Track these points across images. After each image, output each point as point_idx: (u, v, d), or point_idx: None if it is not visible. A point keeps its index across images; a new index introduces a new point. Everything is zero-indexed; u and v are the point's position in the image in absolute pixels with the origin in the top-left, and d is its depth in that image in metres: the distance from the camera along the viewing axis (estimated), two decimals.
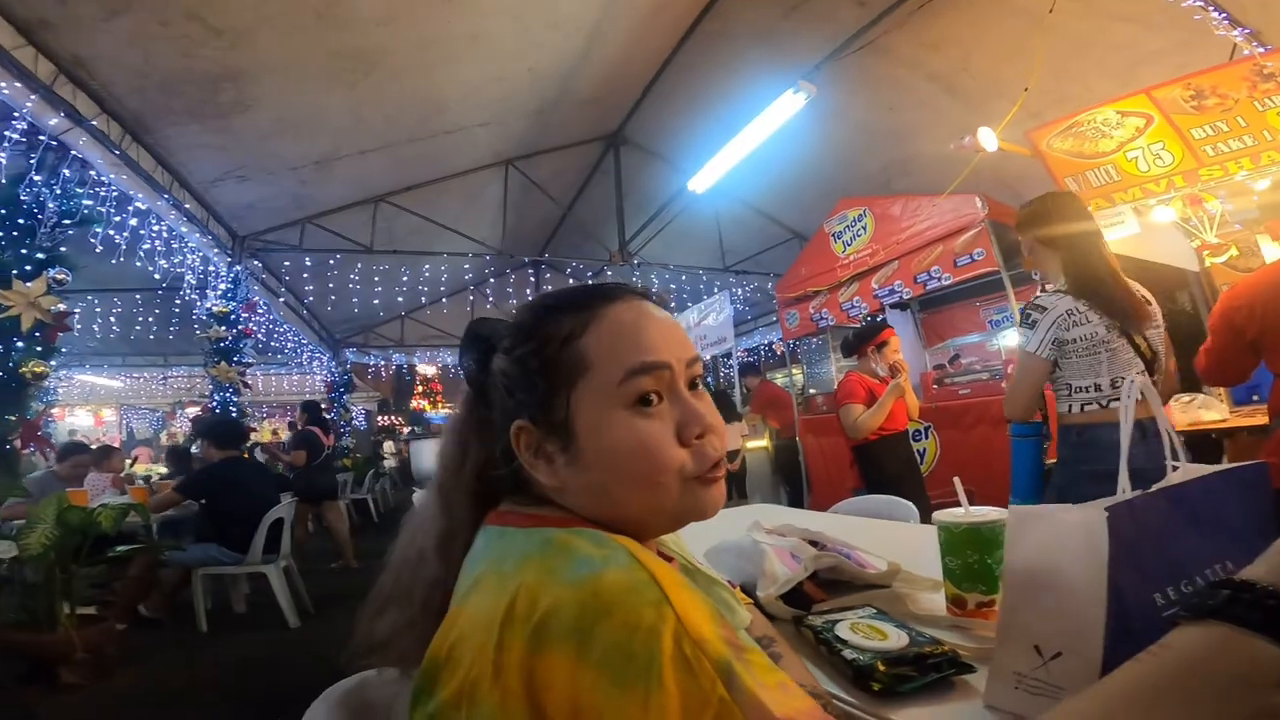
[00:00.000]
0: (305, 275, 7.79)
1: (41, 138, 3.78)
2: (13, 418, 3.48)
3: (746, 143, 5.07)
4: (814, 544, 1.19)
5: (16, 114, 3.57)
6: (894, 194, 4.81)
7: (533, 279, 10.69)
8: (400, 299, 9.31)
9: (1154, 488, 0.66)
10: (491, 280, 10.62)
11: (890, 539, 1.51)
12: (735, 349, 6.80)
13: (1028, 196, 4.68)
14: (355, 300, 8.60)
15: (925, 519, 1.70)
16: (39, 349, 3.63)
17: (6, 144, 3.70)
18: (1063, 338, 1.74)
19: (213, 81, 4.13)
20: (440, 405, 16.01)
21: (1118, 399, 1.68)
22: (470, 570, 0.52)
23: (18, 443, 3.52)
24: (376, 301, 8.91)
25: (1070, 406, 1.79)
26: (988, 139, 3.61)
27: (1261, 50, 3.22)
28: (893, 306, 5.14)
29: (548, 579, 0.45)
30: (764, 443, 6.23)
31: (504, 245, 7.56)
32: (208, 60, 3.93)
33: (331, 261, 7.27)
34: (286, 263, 7.35)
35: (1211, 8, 3.47)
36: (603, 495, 0.56)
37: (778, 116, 4.67)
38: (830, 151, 5.87)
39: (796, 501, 5.39)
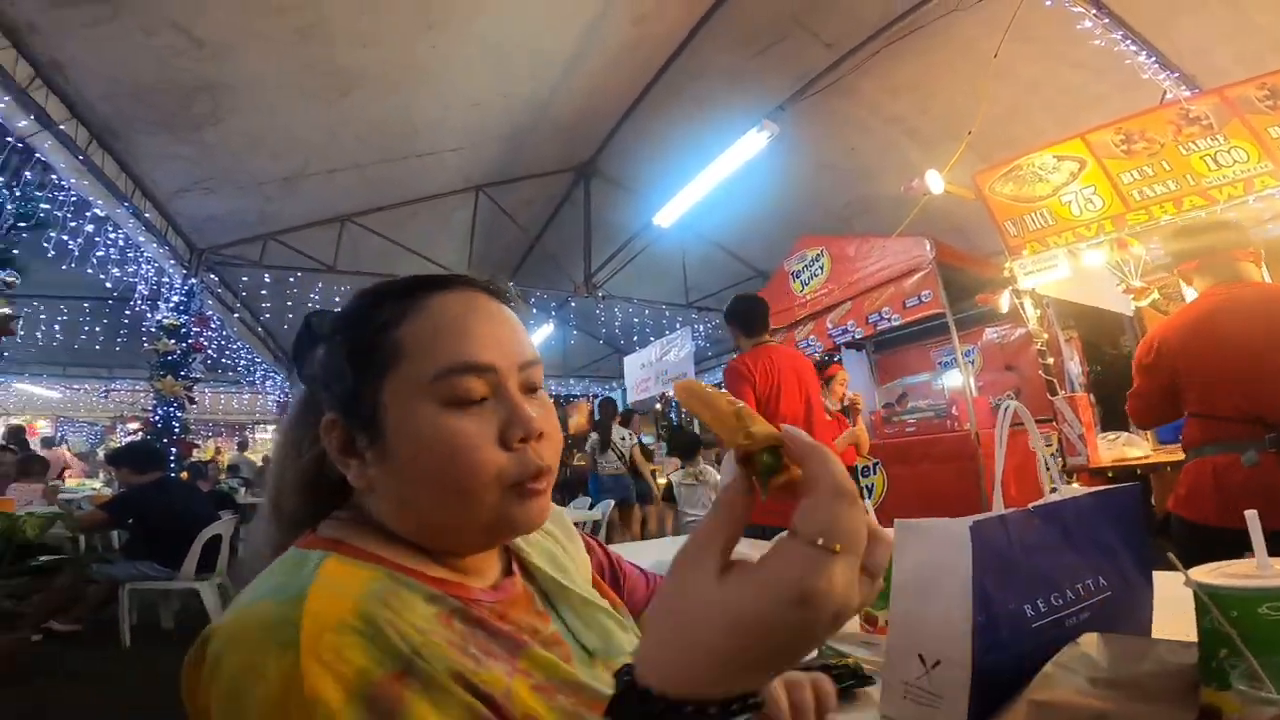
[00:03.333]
0: (264, 292, 7.65)
1: (9, 139, 3.74)
2: None
3: (710, 179, 5.23)
4: None
5: None
6: (855, 232, 4.99)
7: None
8: None
9: (1029, 506, 0.69)
10: None
11: None
12: (723, 369, 6.87)
13: (975, 241, 4.92)
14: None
15: None
16: None
17: None
18: None
19: (189, 92, 4.14)
20: None
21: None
22: None
23: None
24: None
25: None
26: (934, 182, 3.80)
27: (1188, 94, 3.43)
28: (848, 346, 5.28)
29: (235, 602, 0.45)
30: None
31: (469, 273, 7.57)
32: (186, 71, 3.94)
33: (292, 280, 7.16)
34: (245, 278, 7.23)
35: (1143, 52, 3.70)
36: (409, 502, 0.51)
37: (741, 154, 4.85)
38: (793, 190, 6.08)
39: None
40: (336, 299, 7.95)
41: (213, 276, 6.64)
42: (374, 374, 0.52)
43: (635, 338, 9.51)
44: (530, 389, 0.55)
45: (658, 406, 10.45)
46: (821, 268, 4.92)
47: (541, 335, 10.39)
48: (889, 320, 4.19)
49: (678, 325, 7.97)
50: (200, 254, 6.14)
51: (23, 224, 4.18)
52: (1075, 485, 2.52)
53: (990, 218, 3.44)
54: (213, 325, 7.30)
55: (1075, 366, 4.63)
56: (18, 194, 3.90)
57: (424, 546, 0.52)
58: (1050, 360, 3.48)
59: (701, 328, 8.88)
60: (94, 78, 3.87)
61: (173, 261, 5.84)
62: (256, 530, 0.59)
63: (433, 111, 5.08)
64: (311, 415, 0.57)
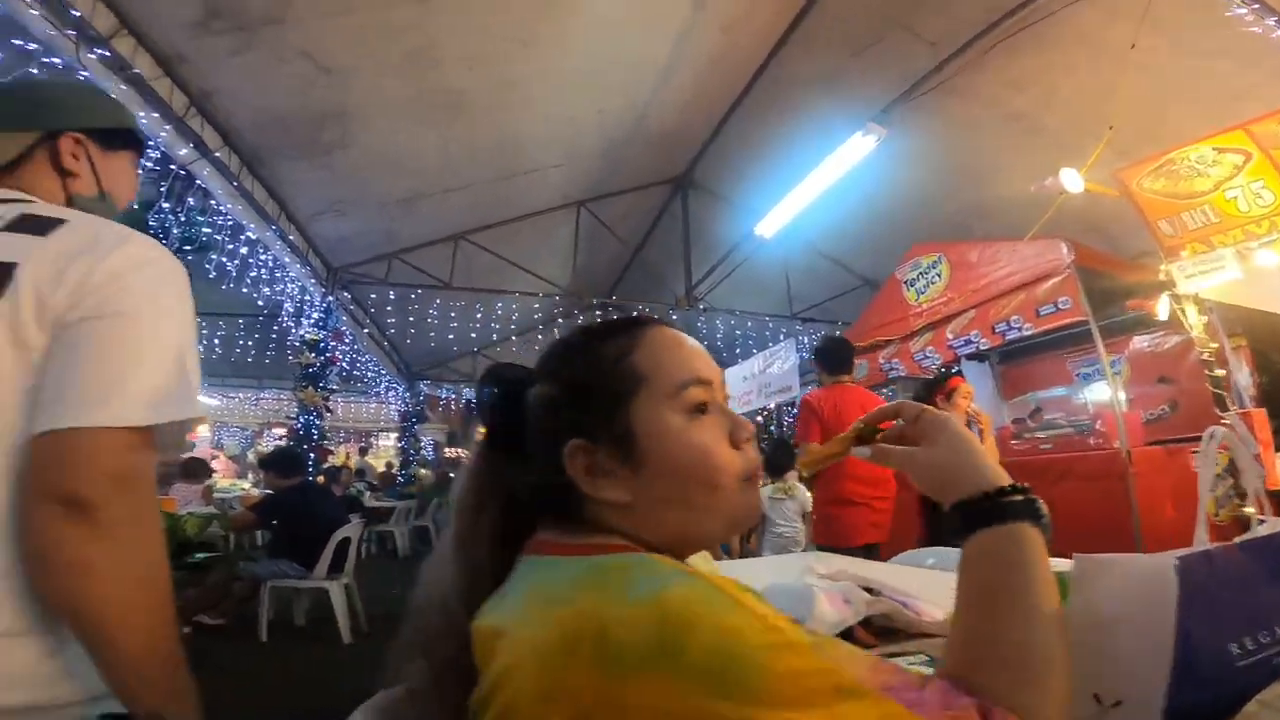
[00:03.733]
0: (389, 309, 8.21)
1: (172, 167, 4.08)
2: None
3: (814, 186, 5.05)
4: (870, 591, 1.15)
5: (151, 142, 3.85)
6: (973, 238, 4.66)
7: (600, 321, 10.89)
8: (474, 335, 9.65)
9: (1235, 540, 0.67)
10: (560, 321, 10.86)
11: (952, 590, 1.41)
12: (799, 398, 6.65)
13: (1121, 240, 4.49)
14: (432, 335, 8.97)
15: None
16: None
17: (141, 171, 4.04)
18: None
19: (320, 118, 4.37)
20: None
21: None
22: (508, 601, 0.52)
23: None
24: (451, 337, 9.24)
25: None
26: (1071, 180, 3.47)
27: None
28: (969, 357, 4.92)
29: (608, 604, 0.45)
30: None
31: (573, 286, 7.74)
32: (317, 98, 4.16)
33: (413, 296, 7.62)
34: (373, 295, 7.77)
35: None
36: (668, 503, 0.58)
37: (846, 159, 4.65)
38: (903, 195, 5.77)
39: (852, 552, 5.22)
40: (452, 314, 8.39)
41: (345, 294, 7.16)
42: (623, 397, 0.59)
43: (738, 350, 9.37)
44: (727, 400, 0.66)
45: (759, 419, 10.22)
46: (939, 275, 4.63)
47: None
48: (1019, 329, 3.85)
49: (781, 337, 7.78)
50: (335, 273, 6.65)
51: (187, 247, 4.60)
52: (1249, 509, 2.22)
53: (1139, 216, 3.10)
54: (346, 340, 7.93)
55: (1244, 378, 4.06)
56: (183, 219, 4.29)
57: (664, 550, 0.57)
58: (1219, 372, 3.06)
59: (806, 339, 8.62)
60: (241, 106, 4.14)
61: (313, 280, 6.35)
62: (440, 573, 0.62)
63: (534, 129, 5.17)
64: (497, 462, 0.63)
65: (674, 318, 9.90)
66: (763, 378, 6.66)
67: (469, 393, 11.71)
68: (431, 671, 0.58)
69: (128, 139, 1.06)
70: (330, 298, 6.68)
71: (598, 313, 10.75)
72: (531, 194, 6.31)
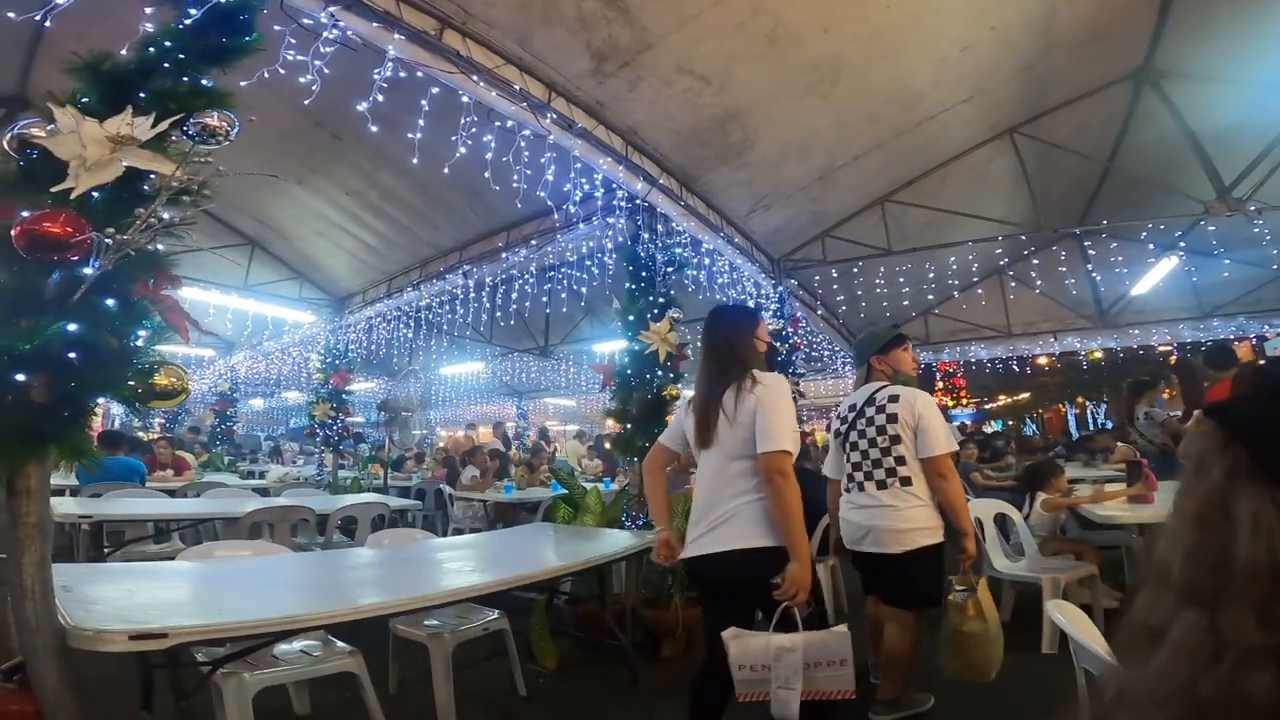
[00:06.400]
0: (835, 286, 8.59)
1: (636, 201, 4.83)
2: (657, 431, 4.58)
3: None
4: None
5: (616, 184, 4.57)
6: None
7: (1091, 250, 8.98)
8: (930, 296, 9.23)
9: None
10: (1036, 260, 9.45)
11: None
12: None
13: None
14: (884, 304, 8.95)
15: None
16: (671, 375, 4.51)
17: (619, 211, 4.91)
18: None
19: (720, 124, 4.58)
20: (965, 401, 14.80)
21: None
22: None
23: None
24: (906, 303, 9.04)
25: None
26: None
27: None
28: None
29: None
30: None
31: (1037, 219, 6.66)
32: (710, 106, 4.32)
33: (855, 270, 7.80)
34: (817, 277, 8.24)
35: None
36: None
37: None
38: None
39: None
40: (900, 279, 8.23)
41: (792, 280, 7.76)
42: None
43: None
44: None
45: None
46: None
47: (1161, 272, 8.32)
48: None
49: None
50: (778, 263, 7.28)
51: (669, 268, 5.55)
52: None
53: None
54: (801, 324, 8.62)
55: None
56: (658, 244, 4.93)
57: None
58: None
59: None
60: (659, 133, 4.45)
61: (762, 274, 7.03)
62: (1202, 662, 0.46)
63: (924, 70, 4.70)
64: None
65: (1210, 229, 7.47)
66: None
67: (925, 356, 11.11)
68: None
69: (893, 342, 2.74)
70: (780, 288, 7.39)
71: (1087, 242, 8.91)
72: (947, 136, 5.77)
